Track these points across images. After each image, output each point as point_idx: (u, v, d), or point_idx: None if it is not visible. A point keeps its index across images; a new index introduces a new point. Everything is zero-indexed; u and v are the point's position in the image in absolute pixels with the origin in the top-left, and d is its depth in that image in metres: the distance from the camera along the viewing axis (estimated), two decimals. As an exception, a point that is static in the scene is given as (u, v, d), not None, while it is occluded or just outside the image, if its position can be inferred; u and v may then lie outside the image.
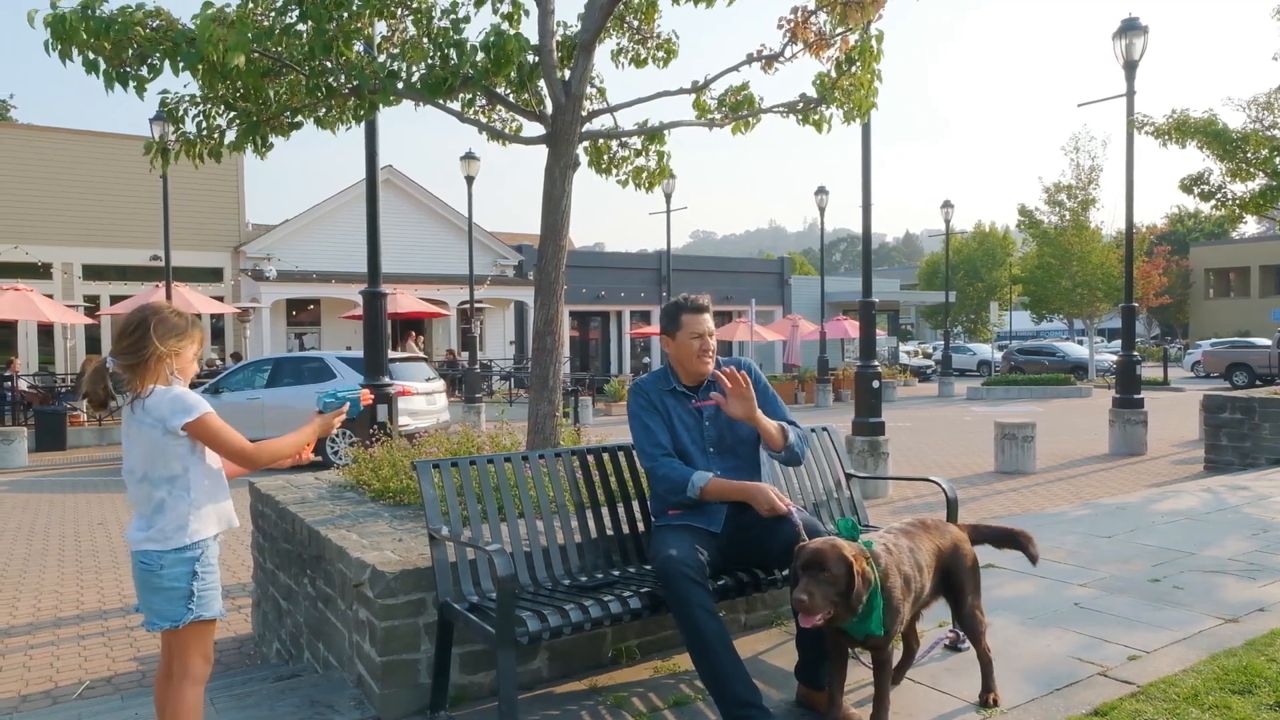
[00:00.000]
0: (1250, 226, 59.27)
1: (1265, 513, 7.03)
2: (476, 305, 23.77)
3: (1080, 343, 40.32)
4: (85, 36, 4.20)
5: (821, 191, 27.88)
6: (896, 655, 3.53)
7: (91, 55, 4.28)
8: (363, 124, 7.67)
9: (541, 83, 5.32)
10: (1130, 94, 13.05)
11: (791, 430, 3.73)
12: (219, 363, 24.42)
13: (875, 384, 10.86)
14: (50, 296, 21.44)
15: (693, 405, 3.77)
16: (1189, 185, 12.78)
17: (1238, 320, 49.27)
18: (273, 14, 4.77)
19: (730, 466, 3.68)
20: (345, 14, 4.77)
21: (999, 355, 41.28)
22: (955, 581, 3.47)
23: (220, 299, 24.48)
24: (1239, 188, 12.43)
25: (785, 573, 3.73)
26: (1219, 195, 12.61)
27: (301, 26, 4.75)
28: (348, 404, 3.09)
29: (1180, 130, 11.93)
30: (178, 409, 2.78)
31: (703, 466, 3.64)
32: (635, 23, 5.83)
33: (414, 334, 26.19)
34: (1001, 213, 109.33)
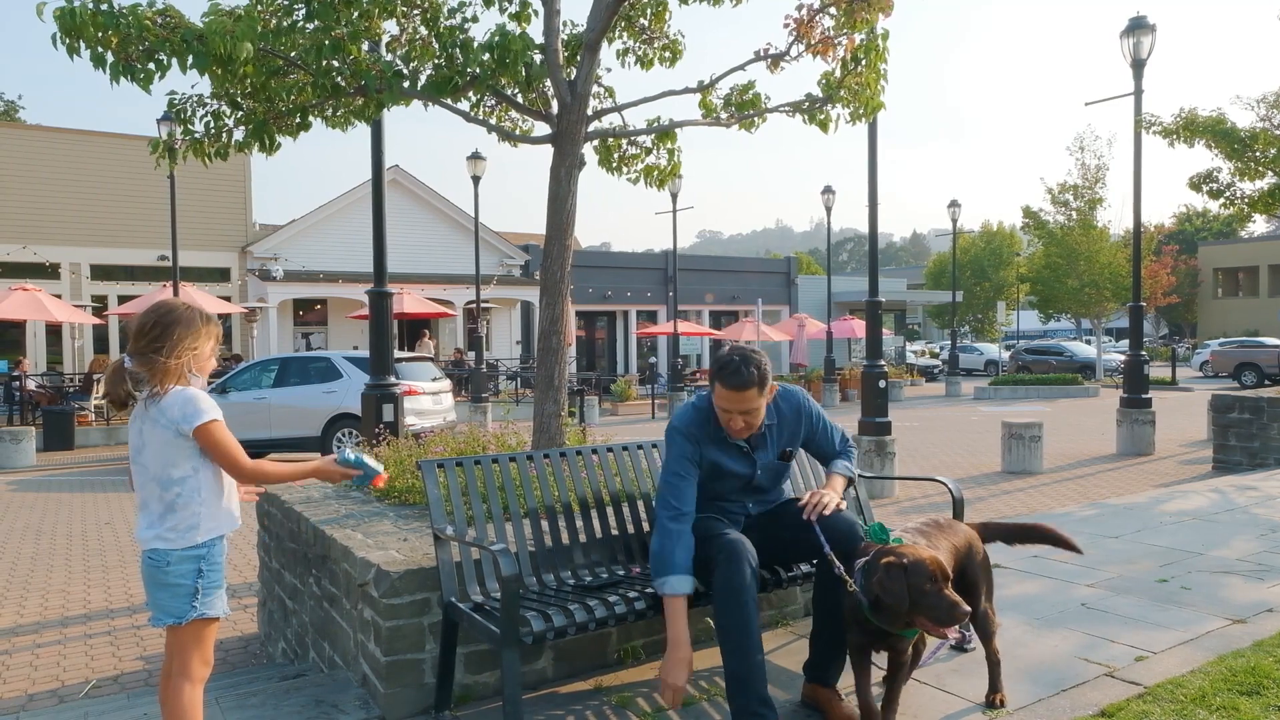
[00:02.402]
0: (1259, 226, 59.08)
1: (1274, 513, 7.00)
2: (483, 305, 23.79)
3: (1088, 342, 40.19)
4: (93, 31, 4.22)
5: (828, 191, 27.84)
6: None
7: (99, 49, 4.29)
8: (369, 123, 7.68)
9: (547, 82, 5.32)
10: (1138, 92, 13.00)
11: (848, 469, 3.69)
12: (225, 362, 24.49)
13: (881, 384, 10.84)
14: (58, 296, 21.50)
15: (743, 454, 3.52)
16: (1198, 183, 12.74)
17: (1246, 319, 49.07)
18: (279, 14, 4.78)
19: (762, 501, 3.68)
20: (355, 14, 4.79)
21: (1006, 355, 41.17)
22: (969, 581, 3.44)
23: (227, 299, 24.52)
24: (1248, 186, 12.38)
25: (790, 574, 3.73)
26: (1228, 194, 12.56)
27: (309, 26, 4.76)
28: (361, 473, 3.05)
29: (1188, 130, 11.89)
30: (190, 412, 2.79)
31: (738, 506, 3.59)
32: (644, 23, 5.83)
33: (426, 334, 26.26)
34: (1009, 212, 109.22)
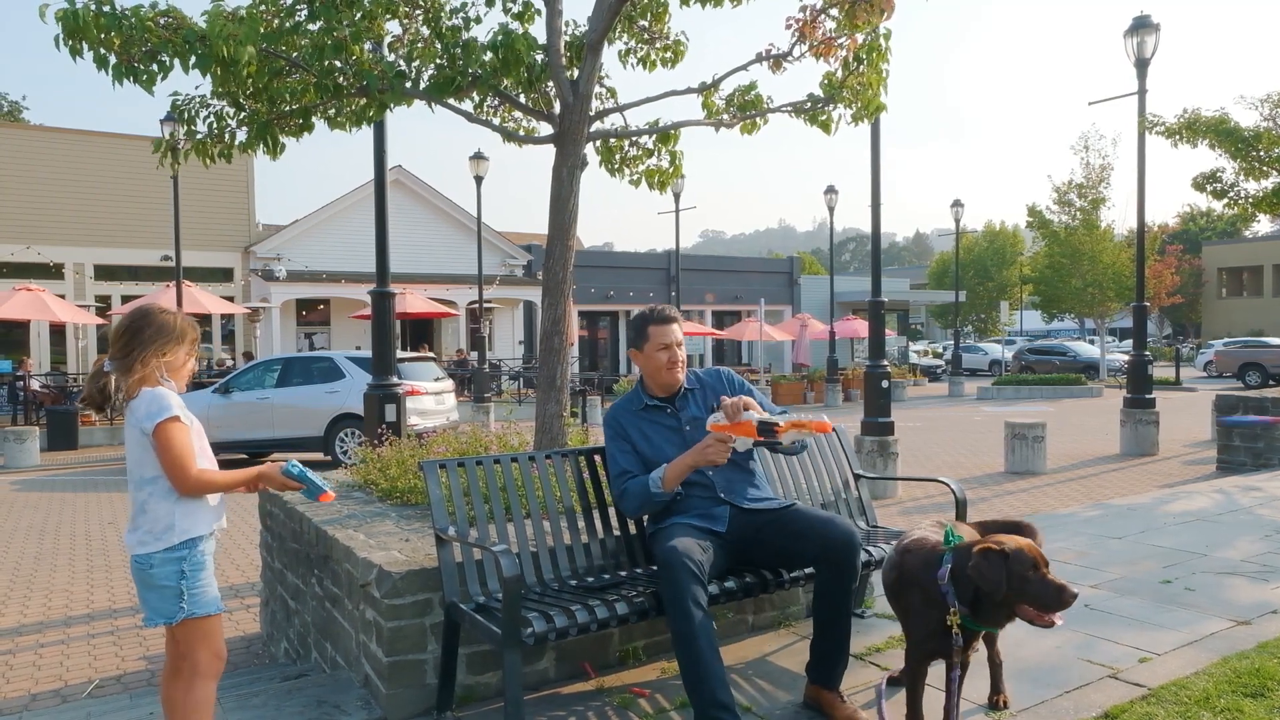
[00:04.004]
0: (1263, 225, 58.97)
1: (1278, 514, 6.98)
2: (485, 305, 23.80)
3: (1091, 342, 40.11)
4: (96, 32, 4.21)
5: (831, 191, 27.83)
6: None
7: (102, 51, 4.29)
8: (372, 124, 7.68)
9: (549, 82, 5.32)
10: (1142, 92, 12.98)
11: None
12: (229, 363, 24.53)
13: (884, 384, 10.83)
14: (62, 297, 21.54)
15: (669, 414, 3.77)
16: (1201, 183, 12.71)
17: (1250, 319, 48.96)
18: (281, 14, 4.78)
19: (724, 470, 3.67)
20: (358, 14, 4.78)
21: (1009, 355, 41.13)
22: None
23: (230, 299, 24.58)
24: (1252, 186, 12.35)
25: (794, 574, 3.72)
26: (1231, 194, 12.53)
27: (312, 26, 4.76)
28: (305, 486, 3.00)
29: (1191, 130, 11.87)
30: (154, 410, 2.79)
31: (696, 475, 3.64)
32: (645, 23, 5.82)
33: (425, 346, 26.35)
34: (1012, 211, 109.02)
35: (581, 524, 3.86)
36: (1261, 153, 11.71)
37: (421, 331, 30.47)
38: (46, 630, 5.84)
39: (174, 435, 2.78)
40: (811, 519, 3.55)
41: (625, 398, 3.93)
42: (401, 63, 5.23)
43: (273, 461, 3.05)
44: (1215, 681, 3.60)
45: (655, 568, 3.76)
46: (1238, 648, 4.00)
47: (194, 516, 2.88)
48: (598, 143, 5.88)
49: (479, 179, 22.16)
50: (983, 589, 2.82)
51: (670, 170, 6.13)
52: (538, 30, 5.23)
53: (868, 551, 3.96)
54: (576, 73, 5.14)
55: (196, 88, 5.08)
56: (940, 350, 47.60)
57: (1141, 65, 12.96)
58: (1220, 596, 4.80)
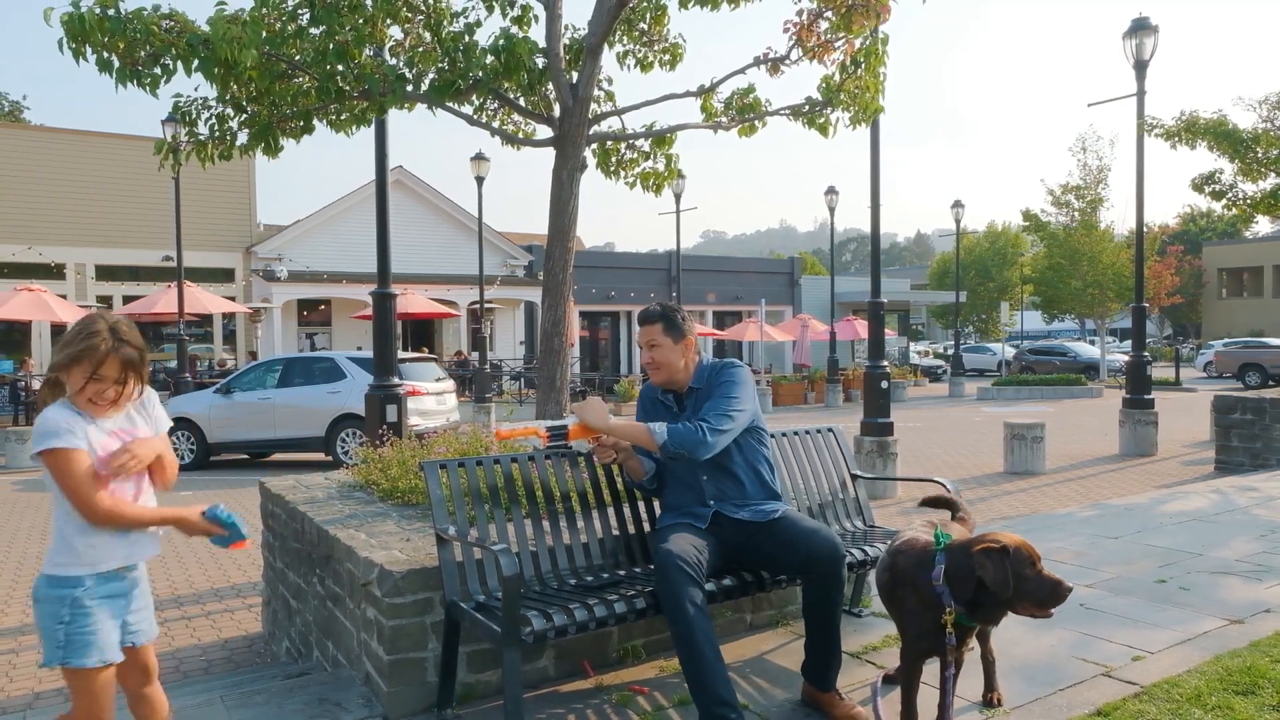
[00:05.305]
0: (1264, 226, 58.94)
1: (1274, 514, 7.01)
2: (486, 305, 23.84)
3: (1092, 343, 40.10)
4: (100, 36, 4.25)
5: (831, 192, 27.85)
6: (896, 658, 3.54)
7: (105, 54, 4.33)
8: (373, 125, 7.73)
9: (549, 86, 5.36)
10: (1140, 94, 13.00)
11: (660, 428, 3.44)
12: (230, 363, 24.57)
13: (884, 384, 10.86)
14: (64, 297, 21.58)
15: (673, 414, 3.73)
16: (1200, 185, 12.75)
17: (1251, 320, 48.95)
18: (284, 18, 4.82)
19: (716, 478, 3.67)
20: (360, 19, 4.82)
21: (1011, 354, 41.07)
22: None
23: (232, 299, 24.62)
24: (1250, 187, 12.39)
25: (777, 578, 3.75)
26: (1230, 195, 12.57)
27: (314, 31, 4.80)
28: (226, 533, 2.73)
29: (1190, 131, 11.91)
30: (38, 434, 2.51)
31: (688, 478, 3.69)
32: (644, 27, 5.86)
33: (423, 349, 26.42)
34: (1013, 212, 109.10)
35: (581, 524, 3.90)
36: (1260, 154, 11.75)
37: (422, 332, 30.51)
38: (50, 629, 5.87)
39: (58, 467, 2.48)
40: (799, 529, 3.54)
41: (649, 389, 3.92)
42: (403, 66, 5.27)
43: (199, 506, 2.75)
44: (1207, 679, 3.63)
45: (654, 567, 3.79)
46: (1230, 646, 4.03)
47: (101, 548, 2.56)
48: (595, 145, 5.92)
49: (480, 179, 22.20)
50: (990, 588, 2.86)
51: (665, 173, 6.18)
52: (537, 34, 5.27)
53: (864, 551, 4.01)
54: (576, 76, 5.18)
55: (196, 88, 5.12)
56: (941, 350, 47.48)
57: (1140, 67, 12.99)
58: (1214, 596, 4.83)
